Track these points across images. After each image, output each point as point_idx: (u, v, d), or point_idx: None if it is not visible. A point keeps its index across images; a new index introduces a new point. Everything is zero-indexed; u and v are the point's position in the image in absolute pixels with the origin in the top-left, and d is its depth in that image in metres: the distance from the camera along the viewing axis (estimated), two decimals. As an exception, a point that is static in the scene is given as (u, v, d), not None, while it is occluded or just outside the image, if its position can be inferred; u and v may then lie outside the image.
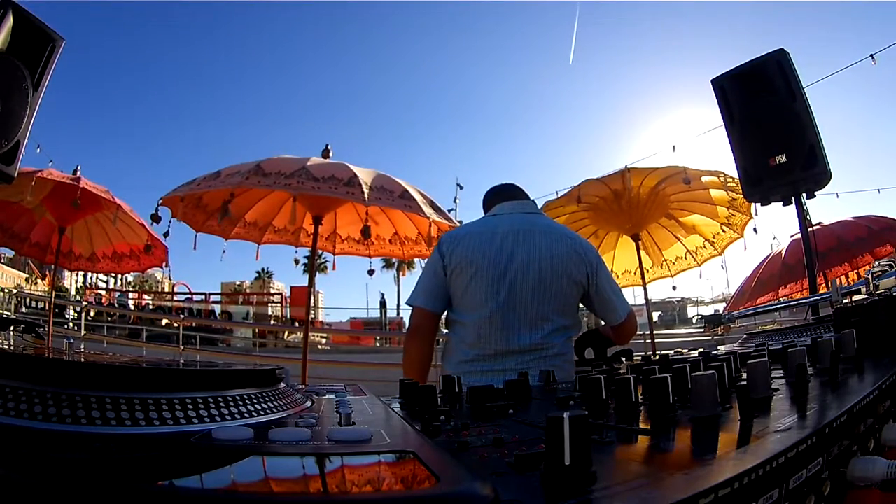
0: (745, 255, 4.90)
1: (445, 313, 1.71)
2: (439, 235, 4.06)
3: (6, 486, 0.25)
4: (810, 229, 3.01)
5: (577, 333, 1.69)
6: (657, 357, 1.16)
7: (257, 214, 4.44)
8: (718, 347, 1.50)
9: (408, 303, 1.69)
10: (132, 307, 20.30)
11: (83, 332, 8.89)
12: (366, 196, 3.20)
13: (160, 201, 3.72)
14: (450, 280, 1.62)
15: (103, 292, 24.67)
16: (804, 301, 1.82)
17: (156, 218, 3.74)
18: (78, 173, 4.53)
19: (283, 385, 0.62)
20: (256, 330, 14.52)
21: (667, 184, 4.29)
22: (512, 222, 1.64)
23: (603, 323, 1.75)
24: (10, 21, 2.32)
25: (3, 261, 31.97)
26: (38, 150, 4.39)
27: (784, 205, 2.88)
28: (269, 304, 25.27)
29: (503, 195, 1.77)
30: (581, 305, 1.72)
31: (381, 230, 4.64)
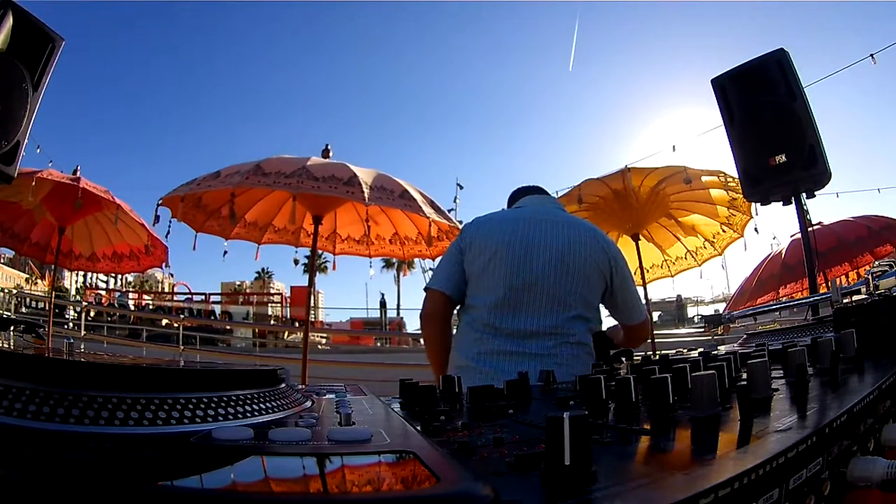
0: (746, 255, 4.90)
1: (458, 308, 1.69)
2: (439, 235, 4.09)
3: (6, 486, 0.25)
4: (810, 229, 3.01)
5: (598, 328, 1.66)
6: (657, 357, 1.16)
7: (257, 214, 4.44)
8: (718, 347, 1.50)
9: (426, 287, 1.68)
10: (132, 307, 20.29)
11: (83, 333, 8.90)
12: (366, 196, 3.20)
13: (160, 201, 3.73)
14: (468, 263, 1.62)
15: (103, 292, 24.67)
16: (804, 301, 1.82)
17: (156, 219, 3.75)
18: (78, 173, 4.53)
19: (283, 385, 0.62)
20: (256, 330, 14.52)
21: (667, 183, 4.29)
22: (535, 212, 1.66)
23: (615, 323, 1.75)
24: (9, 21, 2.32)
25: (3, 261, 31.97)
26: (38, 150, 4.41)
27: (784, 205, 2.88)
28: (269, 304, 25.29)
29: (527, 192, 1.81)
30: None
31: (381, 230, 4.64)
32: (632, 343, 1.75)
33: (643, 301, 1.75)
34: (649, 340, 5.14)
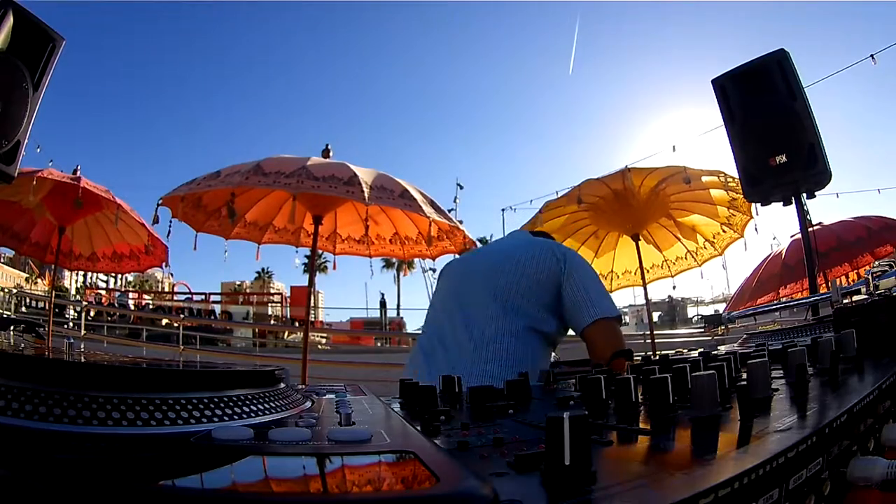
0: (746, 255, 4.91)
1: None
2: (439, 235, 4.09)
3: (6, 486, 0.25)
4: (810, 229, 3.01)
5: (552, 333, 1.53)
6: (657, 357, 1.16)
7: (257, 214, 4.44)
8: (718, 347, 1.50)
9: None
10: (132, 307, 20.28)
11: (83, 332, 8.90)
12: (366, 195, 3.20)
13: (160, 201, 3.73)
14: (434, 294, 1.82)
15: (103, 292, 24.66)
16: (804, 301, 1.82)
17: (156, 219, 3.75)
18: (78, 173, 4.54)
19: (283, 385, 0.62)
20: (256, 330, 14.51)
21: (667, 184, 4.29)
22: (501, 239, 1.89)
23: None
24: (10, 21, 2.32)
25: (3, 260, 31.96)
26: (38, 150, 4.42)
27: (784, 205, 2.88)
28: (269, 304, 25.29)
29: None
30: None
31: (381, 230, 4.64)
32: (595, 354, 1.46)
33: (611, 300, 1.55)
34: (649, 340, 5.15)
